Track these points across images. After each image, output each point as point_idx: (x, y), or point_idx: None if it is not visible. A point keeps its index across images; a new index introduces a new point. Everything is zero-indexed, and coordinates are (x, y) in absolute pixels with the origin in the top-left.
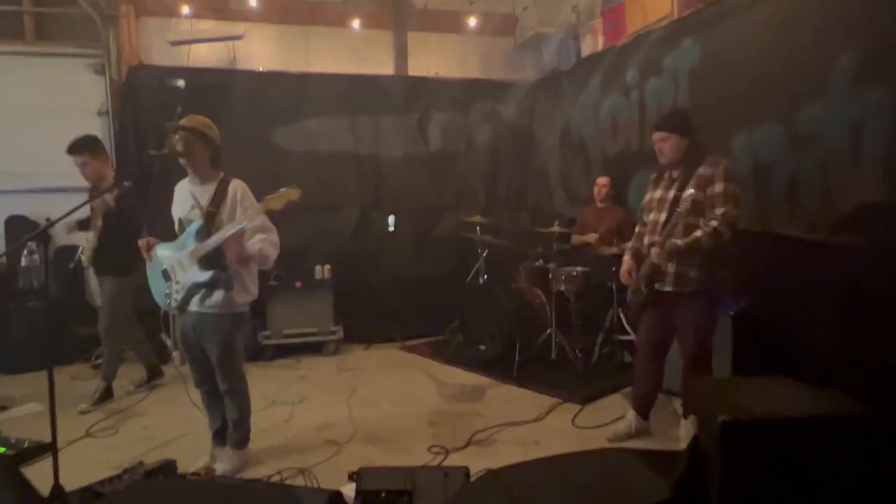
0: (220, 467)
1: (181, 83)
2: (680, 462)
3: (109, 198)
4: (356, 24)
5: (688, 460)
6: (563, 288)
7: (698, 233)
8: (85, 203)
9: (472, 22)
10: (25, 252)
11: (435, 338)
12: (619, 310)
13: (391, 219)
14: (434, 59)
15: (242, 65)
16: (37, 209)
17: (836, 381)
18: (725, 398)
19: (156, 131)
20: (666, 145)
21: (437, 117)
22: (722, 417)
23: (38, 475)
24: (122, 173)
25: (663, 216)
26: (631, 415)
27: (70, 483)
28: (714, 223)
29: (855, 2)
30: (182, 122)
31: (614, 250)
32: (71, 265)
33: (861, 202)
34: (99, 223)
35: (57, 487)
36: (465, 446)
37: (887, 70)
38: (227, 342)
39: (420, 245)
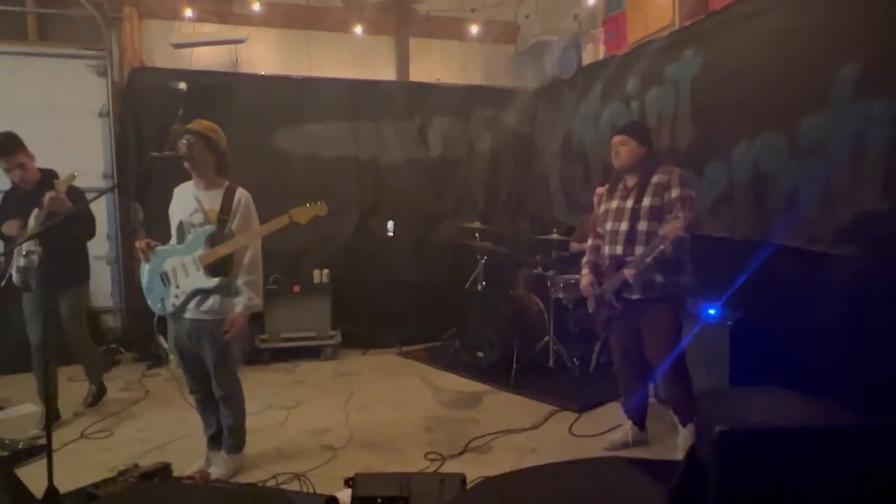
0: (216, 472)
1: (183, 86)
2: (677, 471)
3: (61, 196)
4: (358, 29)
5: (685, 469)
6: (561, 295)
7: (662, 245)
8: (92, 200)
9: (474, 29)
10: (24, 252)
11: (432, 344)
12: None
13: (390, 224)
14: (436, 66)
15: (244, 68)
16: None
17: (834, 392)
18: (723, 408)
19: (157, 133)
20: (623, 149)
21: (438, 123)
22: (719, 427)
23: (33, 477)
24: (50, 171)
25: (624, 225)
26: (627, 425)
27: (64, 485)
28: (675, 227)
29: (857, 12)
30: (189, 125)
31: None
32: None
33: (862, 213)
34: (37, 230)
35: (51, 489)
36: (461, 453)
37: (890, 81)
38: (222, 348)
39: (419, 250)
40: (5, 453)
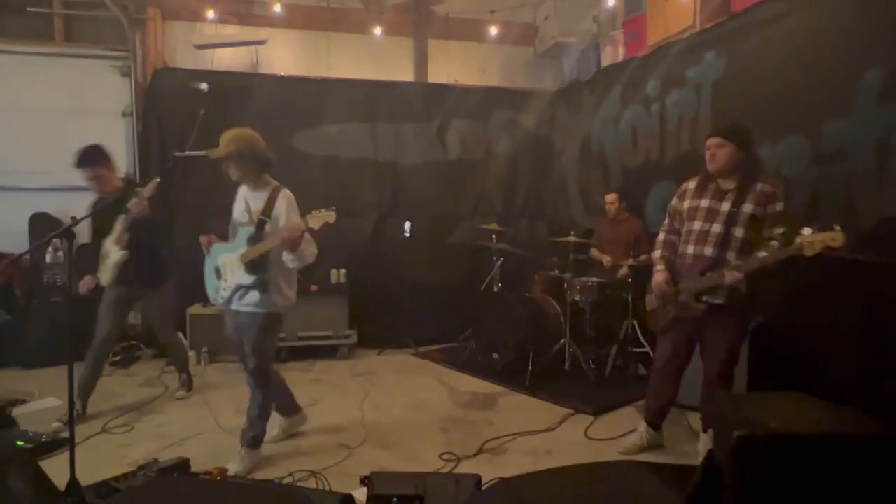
0: (233, 468)
1: (204, 86)
2: (694, 476)
3: (144, 202)
4: (378, 31)
5: (702, 474)
6: (577, 298)
7: (763, 254)
8: (116, 199)
9: (493, 31)
10: (50, 249)
11: (448, 345)
12: (634, 321)
13: (407, 225)
14: (454, 68)
15: (265, 69)
16: (61, 207)
17: (853, 399)
18: (741, 413)
19: (179, 133)
20: (721, 152)
21: (456, 125)
22: (738, 432)
23: (55, 469)
24: (132, 179)
25: (717, 227)
26: (642, 427)
27: (86, 478)
28: (775, 243)
29: (882, 16)
30: (221, 144)
31: (630, 262)
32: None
33: (885, 218)
34: (125, 236)
35: (73, 482)
36: (476, 454)
37: None
38: (258, 340)
39: (436, 252)
40: (29, 446)
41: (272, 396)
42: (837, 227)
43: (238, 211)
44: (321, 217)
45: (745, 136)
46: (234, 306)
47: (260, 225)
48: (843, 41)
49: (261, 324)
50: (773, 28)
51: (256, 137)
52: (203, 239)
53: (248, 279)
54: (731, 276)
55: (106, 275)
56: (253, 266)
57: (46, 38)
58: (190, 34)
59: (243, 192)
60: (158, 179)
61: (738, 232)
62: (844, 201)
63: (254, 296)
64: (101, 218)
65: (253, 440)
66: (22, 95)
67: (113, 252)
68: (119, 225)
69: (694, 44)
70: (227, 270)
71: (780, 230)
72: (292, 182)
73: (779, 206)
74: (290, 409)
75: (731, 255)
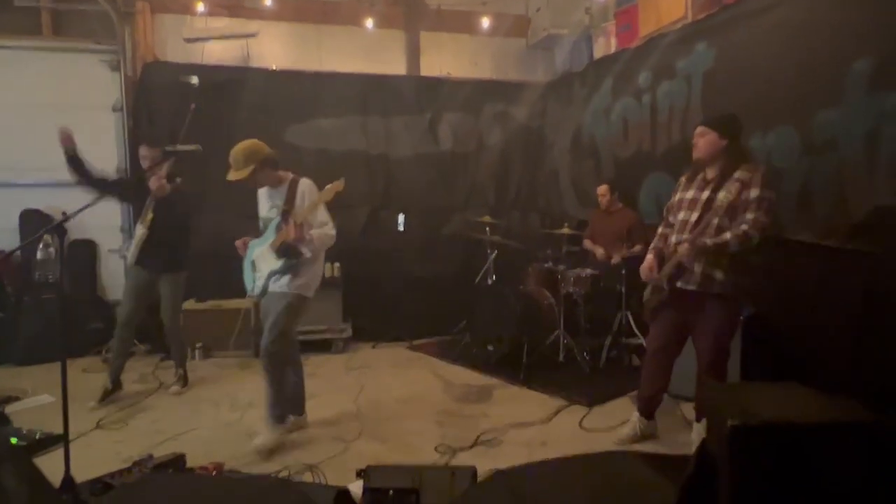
0: (259, 440)
1: (195, 80)
2: (688, 466)
3: (162, 182)
4: (369, 23)
5: (695, 464)
6: (571, 290)
7: (727, 234)
8: (107, 194)
9: (485, 22)
10: (41, 245)
11: (443, 337)
12: (628, 313)
13: (401, 218)
14: (446, 60)
15: (256, 63)
16: (51, 203)
17: (846, 388)
18: (735, 402)
19: (170, 127)
20: (702, 140)
21: (448, 118)
22: (731, 422)
23: (49, 466)
24: (170, 163)
25: (694, 215)
26: (635, 417)
27: (80, 474)
28: (744, 227)
29: (871, 6)
30: (232, 172)
31: (624, 253)
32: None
33: (876, 208)
34: (149, 215)
35: (68, 479)
36: (471, 446)
37: None
38: (279, 318)
39: (429, 245)
40: (23, 443)
41: (286, 380)
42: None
43: (265, 209)
44: (330, 190)
45: (728, 124)
46: (269, 289)
47: (285, 214)
48: (833, 31)
49: (287, 303)
50: (764, 19)
51: (261, 146)
52: (238, 243)
53: (277, 263)
54: (683, 250)
55: (131, 255)
56: (283, 251)
57: (34, 33)
58: (180, 27)
59: (265, 193)
60: (173, 159)
61: (714, 219)
62: (835, 191)
63: (285, 278)
64: (141, 203)
65: (278, 417)
66: (10, 90)
67: (139, 230)
68: (147, 206)
69: (685, 35)
70: (260, 262)
71: (750, 216)
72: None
73: (753, 193)
74: (282, 416)
75: (707, 242)
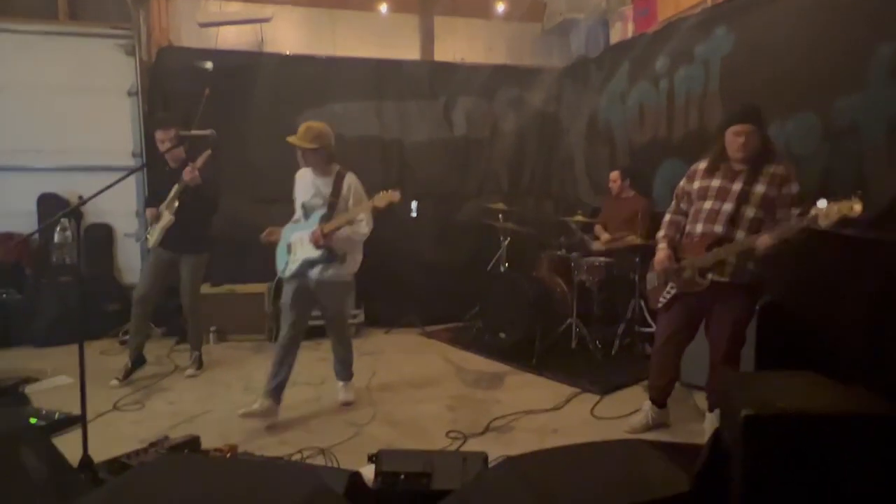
0: (343, 396)
1: (209, 65)
2: (701, 455)
3: (196, 173)
4: (383, 8)
5: (709, 453)
6: (584, 277)
7: (790, 227)
8: (123, 178)
9: (500, 7)
10: (58, 229)
11: (455, 324)
12: (642, 301)
13: (414, 204)
14: (460, 45)
15: (269, 48)
16: (68, 187)
17: (863, 378)
18: (749, 392)
19: (184, 112)
20: (752, 139)
21: (462, 103)
22: (745, 411)
23: (68, 446)
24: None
25: (728, 206)
26: (647, 405)
27: (98, 455)
28: (804, 220)
29: None
30: (299, 132)
31: (630, 239)
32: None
33: None
34: (175, 203)
35: (86, 458)
36: (483, 432)
37: None
38: (341, 304)
39: (442, 231)
40: (42, 423)
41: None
42: (856, 197)
43: (308, 195)
44: (385, 197)
45: (760, 117)
46: (315, 276)
47: (331, 206)
48: (855, 15)
49: (342, 290)
50: (784, 2)
51: (332, 134)
52: (263, 236)
53: (315, 253)
54: (762, 241)
55: (153, 236)
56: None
57: (50, 17)
58: (194, 12)
59: (310, 179)
60: (210, 152)
61: (750, 211)
62: (856, 178)
63: (335, 269)
64: (161, 185)
65: (349, 376)
66: (26, 75)
67: (165, 216)
68: (173, 192)
69: (704, 19)
70: (297, 247)
71: (797, 210)
72: (298, 162)
73: (794, 188)
74: (274, 392)
75: (739, 234)
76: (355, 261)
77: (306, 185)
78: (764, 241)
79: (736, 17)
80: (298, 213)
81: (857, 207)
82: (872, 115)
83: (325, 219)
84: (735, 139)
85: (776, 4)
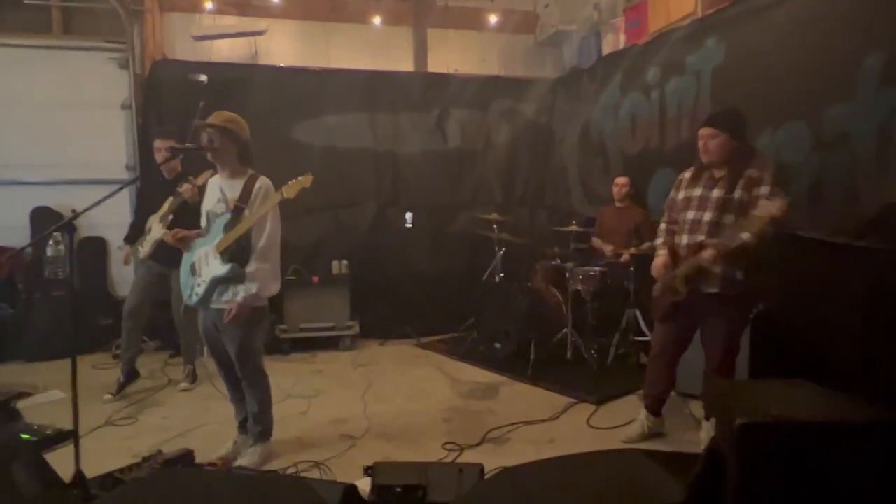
0: (245, 461)
1: (203, 78)
2: (697, 464)
3: (195, 189)
4: (377, 20)
5: (704, 462)
6: (579, 287)
7: (745, 235)
8: (116, 191)
9: (493, 19)
10: (51, 242)
11: (450, 335)
12: (637, 310)
13: (408, 215)
14: (454, 56)
15: (264, 60)
16: (62, 201)
17: (856, 386)
18: (744, 400)
19: (179, 125)
20: (713, 143)
21: (456, 114)
22: (740, 420)
23: (60, 462)
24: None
25: (708, 216)
26: (643, 415)
27: (91, 470)
28: (778, 205)
29: (882, 0)
30: (210, 119)
31: (632, 251)
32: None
33: (887, 204)
34: (170, 217)
35: (78, 474)
36: (479, 444)
37: None
38: (243, 337)
39: (437, 242)
40: (34, 439)
41: (267, 387)
42: (783, 198)
43: (211, 202)
44: (296, 185)
45: (736, 123)
46: (214, 304)
47: (237, 211)
48: (844, 26)
49: (245, 320)
50: (774, 13)
51: (247, 128)
52: (169, 236)
53: (223, 268)
54: (706, 255)
55: (145, 249)
56: (230, 255)
57: (44, 31)
58: (188, 25)
59: (216, 182)
60: (211, 171)
61: (729, 219)
62: (846, 187)
63: (234, 291)
64: (153, 195)
65: (261, 434)
66: (20, 89)
67: (156, 229)
68: (167, 205)
69: (694, 30)
70: (201, 264)
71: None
72: (292, 174)
73: (762, 190)
74: (242, 427)
75: None
76: (266, 287)
77: (213, 190)
78: (708, 254)
79: (726, 28)
80: (203, 224)
81: (779, 207)
82: (861, 125)
83: (229, 227)
84: (700, 142)
85: (766, 15)
